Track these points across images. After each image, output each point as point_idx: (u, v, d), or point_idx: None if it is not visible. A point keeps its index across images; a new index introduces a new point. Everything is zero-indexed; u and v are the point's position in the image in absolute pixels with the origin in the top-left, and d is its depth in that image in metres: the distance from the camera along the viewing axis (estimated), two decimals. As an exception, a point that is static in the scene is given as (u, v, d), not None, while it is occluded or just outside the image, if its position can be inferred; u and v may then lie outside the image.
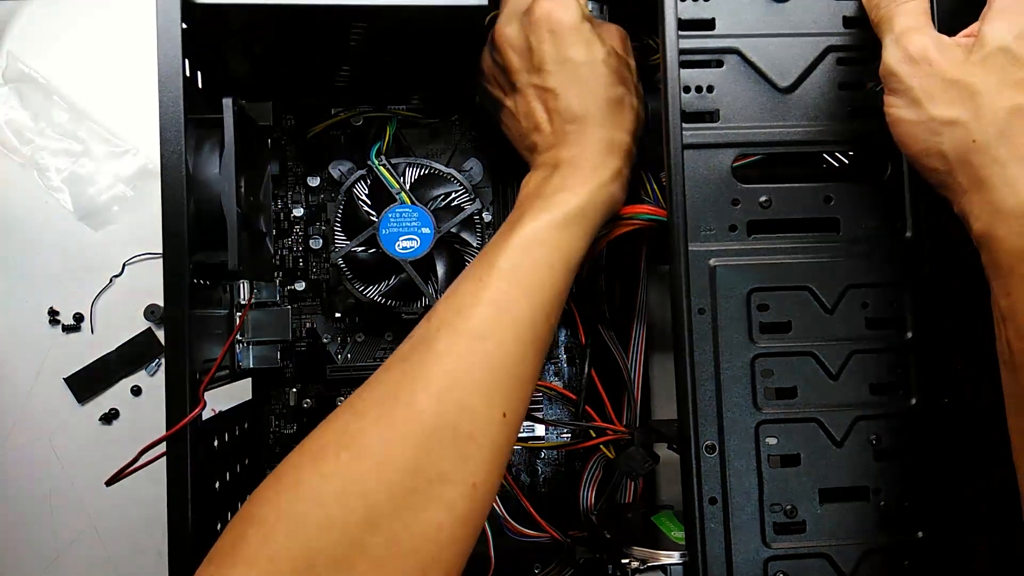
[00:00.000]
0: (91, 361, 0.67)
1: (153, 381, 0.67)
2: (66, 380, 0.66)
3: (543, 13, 0.45)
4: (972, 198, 0.38)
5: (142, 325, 0.67)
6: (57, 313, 0.66)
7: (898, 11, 0.41)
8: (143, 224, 0.68)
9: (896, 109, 0.40)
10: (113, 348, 0.67)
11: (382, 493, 0.35)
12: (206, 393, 0.44)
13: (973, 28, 0.40)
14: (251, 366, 0.58)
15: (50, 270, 0.67)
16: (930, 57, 0.39)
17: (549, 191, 0.45)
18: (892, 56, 0.40)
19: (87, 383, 0.66)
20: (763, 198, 0.44)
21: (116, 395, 0.67)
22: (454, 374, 0.39)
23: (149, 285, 0.67)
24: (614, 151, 0.46)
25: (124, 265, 0.67)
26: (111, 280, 0.67)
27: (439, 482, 0.37)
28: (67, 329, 0.67)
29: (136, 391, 0.67)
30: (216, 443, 0.48)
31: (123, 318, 0.67)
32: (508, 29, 0.47)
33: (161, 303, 0.66)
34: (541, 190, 0.45)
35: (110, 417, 0.66)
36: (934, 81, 0.38)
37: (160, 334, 0.67)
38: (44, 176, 0.68)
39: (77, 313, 0.67)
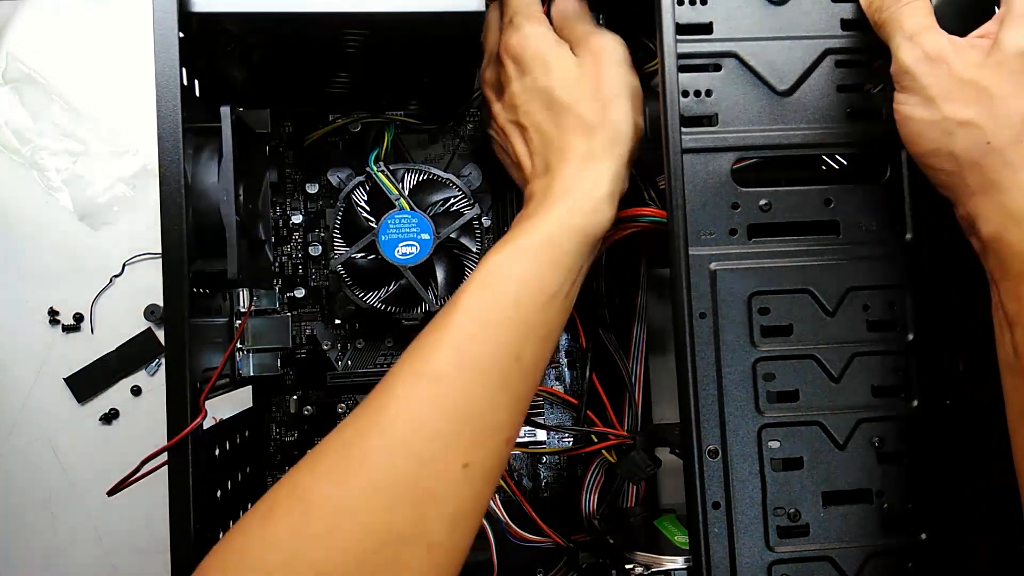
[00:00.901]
0: (91, 361, 0.67)
1: (153, 381, 0.67)
2: (66, 380, 0.66)
3: (505, 47, 0.46)
4: (981, 200, 0.38)
5: (142, 325, 0.67)
6: (57, 313, 0.66)
7: (905, 11, 0.40)
8: (143, 224, 0.68)
9: (908, 107, 0.40)
10: (113, 348, 0.67)
11: (334, 561, 0.33)
12: (207, 402, 0.44)
13: (986, 30, 0.40)
14: (251, 374, 0.58)
15: (50, 270, 0.67)
16: (947, 56, 0.39)
17: (519, 221, 0.43)
18: (908, 54, 0.39)
19: (87, 383, 0.66)
20: (763, 201, 0.44)
21: (116, 395, 0.67)
22: (411, 423, 0.36)
23: (149, 285, 0.67)
24: (595, 169, 0.44)
25: (124, 265, 0.67)
26: (111, 280, 0.67)
27: (396, 543, 0.34)
28: (67, 329, 0.67)
29: (136, 391, 0.67)
30: (217, 452, 0.48)
31: (123, 318, 0.67)
32: (487, 73, 0.49)
33: (161, 303, 0.66)
34: (512, 226, 0.44)
35: (110, 417, 0.66)
36: (950, 81, 0.38)
37: (160, 334, 0.67)
38: (44, 176, 0.68)
39: (77, 313, 0.67)
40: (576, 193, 0.43)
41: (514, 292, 0.40)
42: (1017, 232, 0.37)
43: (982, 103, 0.38)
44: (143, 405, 0.67)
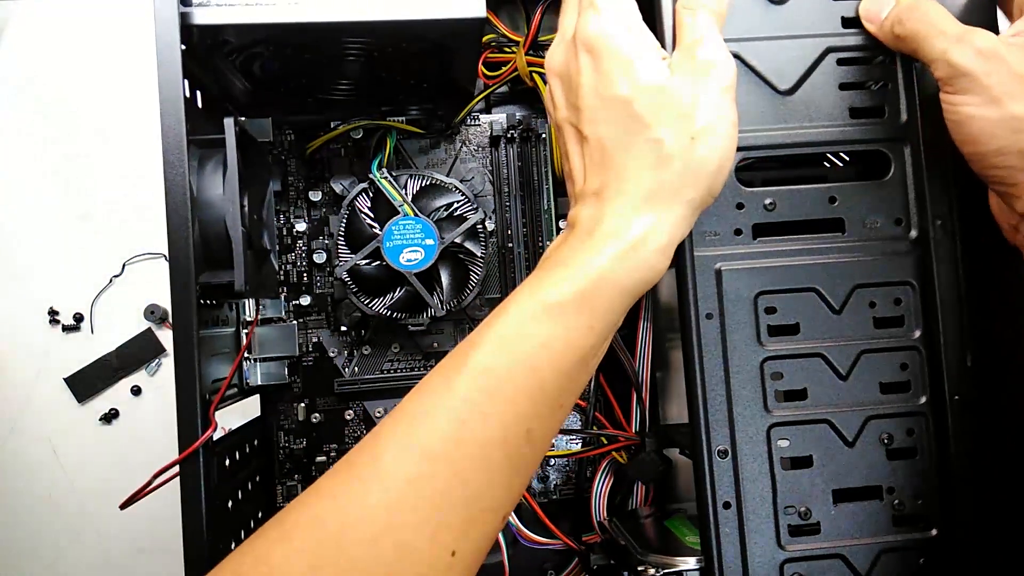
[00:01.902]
0: (91, 361, 0.67)
1: (153, 381, 0.68)
2: (66, 380, 0.66)
3: (583, 35, 0.38)
4: None
5: (142, 325, 0.67)
6: (57, 313, 0.67)
7: (934, 17, 0.40)
8: (143, 224, 0.68)
9: (970, 108, 0.39)
10: (113, 348, 0.67)
11: None
12: (216, 413, 0.44)
13: (1020, 27, 0.40)
14: (259, 383, 0.58)
15: (50, 270, 0.67)
16: (1002, 54, 0.38)
17: (551, 263, 0.37)
18: (962, 55, 0.39)
19: (87, 383, 0.66)
20: (767, 201, 0.44)
21: (116, 395, 0.67)
22: (396, 506, 0.32)
23: (149, 285, 0.68)
24: (656, 213, 0.36)
25: (124, 265, 0.67)
26: (111, 280, 0.68)
27: None
28: (67, 329, 0.67)
29: (136, 391, 0.67)
30: (227, 462, 0.48)
31: (123, 318, 0.68)
32: (555, 55, 0.41)
33: (161, 303, 0.66)
34: (546, 259, 0.38)
35: (110, 417, 0.67)
36: (1012, 79, 0.38)
37: (160, 334, 0.68)
38: (44, 176, 0.68)
39: (77, 313, 0.67)
40: (627, 239, 0.36)
41: (533, 358, 0.34)
42: None
43: None
44: (143, 405, 0.67)
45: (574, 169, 0.39)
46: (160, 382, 0.69)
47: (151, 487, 0.43)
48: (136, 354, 0.67)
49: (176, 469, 0.41)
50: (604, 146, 0.38)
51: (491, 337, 0.35)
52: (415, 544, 0.32)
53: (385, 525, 0.31)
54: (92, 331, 0.67)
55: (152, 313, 0.67)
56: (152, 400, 0.67)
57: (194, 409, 0.41)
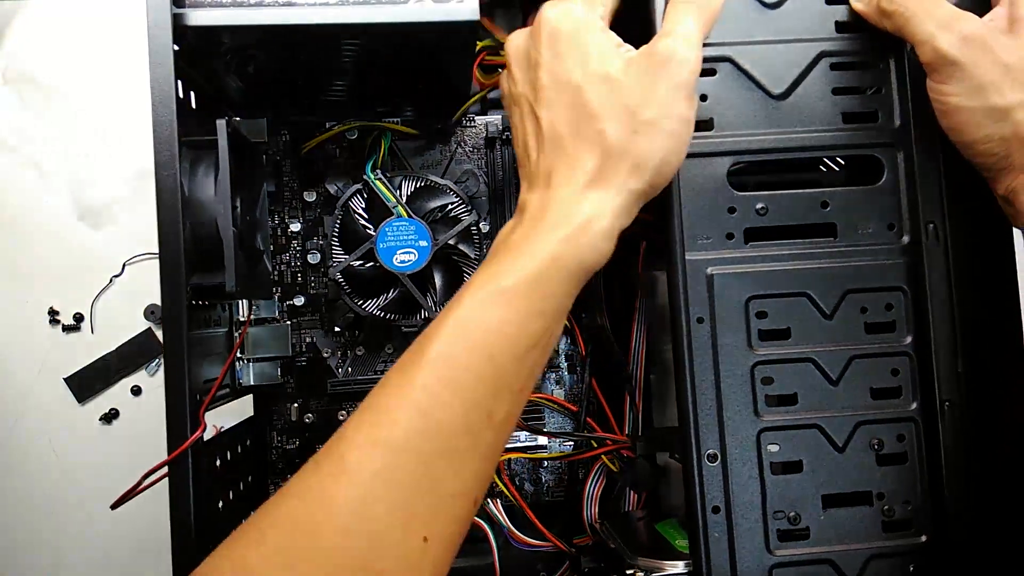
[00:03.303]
0: (91, 361, 0.67)
1: (153, 381, 0.68)
2: (66, 380, 0.67)
3: (546, 15, 0.39)
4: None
5: (142, 325, 0.68)
6: (57, 313, 0.67)
7: (922, 4, 0.40)
8: (143, 224, 0.68)
9: (956, 98, 0.40)
10: (113, 348, 0.67)
11: None
12: (207, 412, 0.44)
13: (996, 13, 0.40)
14: (252, 383, 0.58)
15: (50, 270, 0.67)
16: (988, 42, 0.39)
17: (503, 249, 0.38)
18: (948, 42, 0.39)
19: (87, 383, 0.67)
20: (759, 205, 0.44)
21: (116, 395, 0.67)
22: (365, 499, 0.32)
23: (149, 285, 0.68)
24: (598, 197, 0.37)
25: (124, 265, 0.67)
26: (111, 280, 0.68)
27: None
28: (67, 329, 0.67)
29: (136, 391, 0.67)
30: (219, 462, 0.48)
31: (123, 318, 0.68)
32: (516, 38, 0.42)
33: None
34: (498, 245, 0.39)
35: (110, 417, 0.67)
36: (996, 68, 0.39)
37: (160, 334, 0.67)
38: (44, 176, 0.68)
39: (77, 313, 0.67)
40: (572, 223, 0.37)
41: (489, 344, 0.35)
42: None
43: None
44: (143, 405, 0.68)
45: (529, 150, 0.40)
46: (160, 382, 0.68)
47: (140, 488, 0.43)
48: (136, 354, 0.67)
49: (165, 470, 0.41)
50: (556, 130, 0.38)
51: (447, 326, 0.35)
52: (387, 534, 0.32)
53: (356, 518, 0.32)
54: (92, 331, 0.67)
55: (152, 313, 0.67)
56: (152, 400, 0.67)
57: (184, 409, 0.41)
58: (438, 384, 0.34)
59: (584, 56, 0.38)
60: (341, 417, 0.60)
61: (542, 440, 0.60)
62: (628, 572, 0.46)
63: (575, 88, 0.38)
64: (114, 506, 0.43)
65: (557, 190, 0.38)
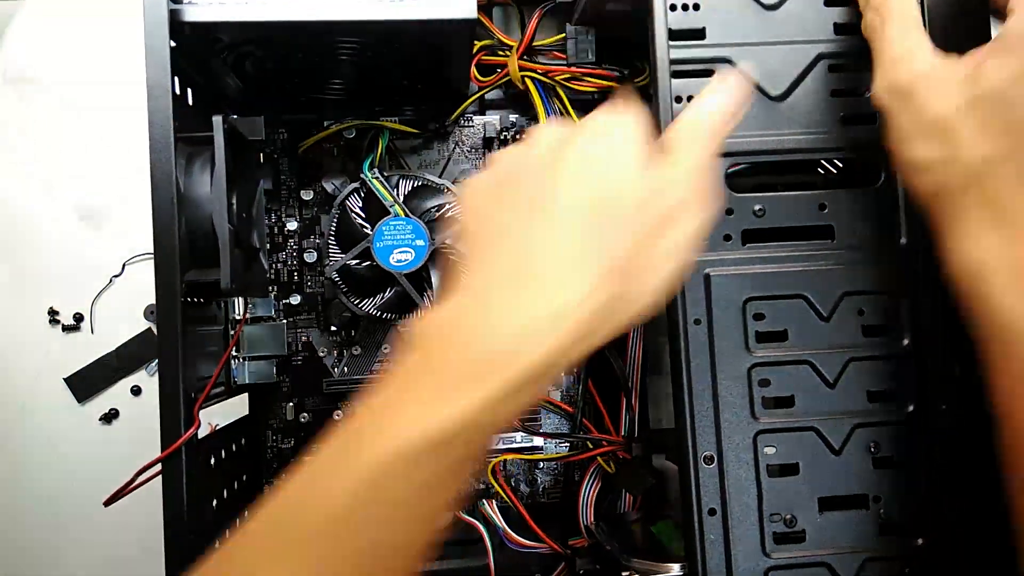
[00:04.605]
0: (91, 361, 0.67)
1: (153, 381, 0.67)
2: (66, 380, 0.66)
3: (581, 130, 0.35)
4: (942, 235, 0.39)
5: (142, 325, 0.67)
6: (57, 313, 0.66)
7: (889, 29, 0.39)
8: (143, 224, 0.68)
9: (888, 142, 0.40)
10: (113, 348, 0.67)
11: None
12: (202, 410, 0.44)
13: (978, 53, 0.38)
14: (247, 381, 0.58)
15: (50, 270, 0.67)
16: (919, 91, 0.37)
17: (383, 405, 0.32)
18: (880, 85, 0.39)
19: (87, 383, 0.66)
20: (757, 207, 0.44)
21: (116, 395, 0.67)
22: None
23: (149, 285, 0.67)
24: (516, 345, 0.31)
25: (124, 265, 0.67)
26: (111, 280, 0.67)
27: None
28: (67, 329, 0.67)
29: (136, 391, 0.67)
30: (213, 461, 0.48)
31: (123, 318, 0.67)
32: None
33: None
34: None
35: (110, 417, 0.66)
36: (917, 122, 0.38)
37: (160, 333, 0.67)
38: (44, 176, 0.68)
39: (77, 313, 0.67)
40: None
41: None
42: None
43: (945, 145, 0.37)
44: (143, 405, 0.67)
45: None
46: (161, 381, 0.69)
47: (133, 485, 0.43)
48: (136, 354, 0.67)
49: (159, 467, 0.41)
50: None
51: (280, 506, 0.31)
52: None
53: None
54: (92, 331, 0.67)
55: (152, 313, 0.67)
56: (152, 400, 0.66)
57: (177, 407, 0.41)
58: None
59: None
60: (336, 416, 0.60)
61: (538, 441, 0.60)
62: (623, 574, 0.46)
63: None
64: (107, 502, 0.43)
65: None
